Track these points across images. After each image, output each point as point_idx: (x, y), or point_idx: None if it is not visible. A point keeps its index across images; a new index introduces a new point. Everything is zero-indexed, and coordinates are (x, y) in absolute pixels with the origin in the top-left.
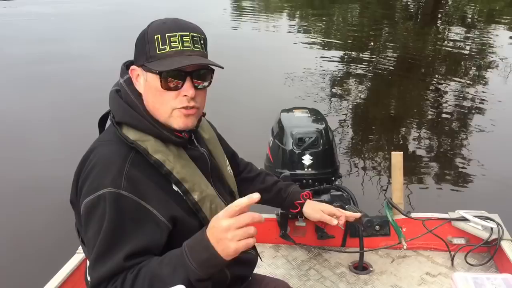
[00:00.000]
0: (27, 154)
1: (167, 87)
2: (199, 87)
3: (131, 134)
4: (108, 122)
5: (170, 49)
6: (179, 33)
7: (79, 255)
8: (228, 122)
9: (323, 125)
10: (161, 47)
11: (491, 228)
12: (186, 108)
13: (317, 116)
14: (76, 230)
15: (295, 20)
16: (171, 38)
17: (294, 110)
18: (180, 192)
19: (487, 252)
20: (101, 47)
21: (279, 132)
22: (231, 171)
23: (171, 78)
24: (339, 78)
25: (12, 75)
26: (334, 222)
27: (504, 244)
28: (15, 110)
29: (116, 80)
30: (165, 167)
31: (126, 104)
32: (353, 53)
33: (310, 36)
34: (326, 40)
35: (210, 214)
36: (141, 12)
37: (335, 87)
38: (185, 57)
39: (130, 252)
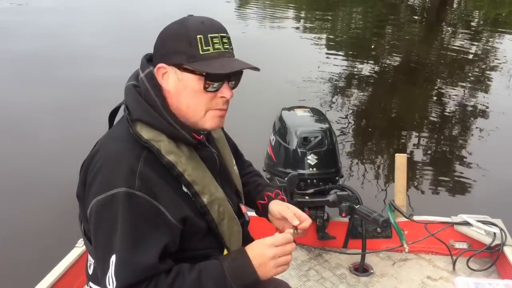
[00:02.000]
0: (30, 147)
1: (208, 89)
2: (232, 88)
3: (145, 133)
4: (118, 117)
5: (213, 50)
6: (219, 34)
7: (78, 248)
8: (227, 118)
9: (327, 125)
10: (204, 47)
11: (494, 234)
12: (221, 109)
13: (319, 115)
14: (80, 222)
15: (299, 21)
16: (214, 39)
17: (295, 109)
18: (189, 194)
19: (489, 258)
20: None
21: (282, 130)
22: (237, 171)
23: (215, 82)
24: (341, 80)
25: (15, 69)
26: (295, 222)
27: (507, 250)
28: (18, 104)
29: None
30: (177, 169)
31: (145, 102)
32: (357, 55)
33: (313, 38)
34: (329, 42)
35: (217, 216)
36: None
37: (337, 89)
38: (227, 59)
39: (159, 254)
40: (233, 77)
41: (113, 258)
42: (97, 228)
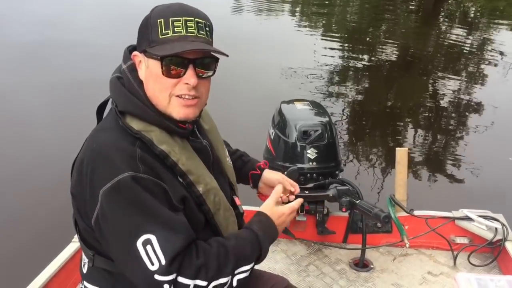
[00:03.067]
0: (23, 138)
1: (168, 74)
2: (203, 76)
3: (135, 124)
4: (107, 110)
5: (173, 34)
6: (183, 17)
7: (74, 243)
8: (225, 112)
9: (327, 118)
10: (163, 31)
11: (496, 229)
12: (184, 97)
13: (319, 109)
14: (74, 221)
15: (295, 12)
16: (175, 22)
17: (295, 102)
18: (184, 184)
19: (490, 253)
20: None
21: (281, 124)
22: (230, 162)
23: (173, 65)
24: (340, 73)
25: (9, 55)
26: (292, 188)
27: (509, 246)
28: (12, 91)
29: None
30: (171, 158)
31: (129, 92)
32: (354, 47)
33: (310, 29)
34: (326, 33)
35: (213, 206)
36: None
37: (334, 81)
38: (187, 42)
39: (186, 222)
40: (199, 63)
41: (145, 238)
42: (111, 218)
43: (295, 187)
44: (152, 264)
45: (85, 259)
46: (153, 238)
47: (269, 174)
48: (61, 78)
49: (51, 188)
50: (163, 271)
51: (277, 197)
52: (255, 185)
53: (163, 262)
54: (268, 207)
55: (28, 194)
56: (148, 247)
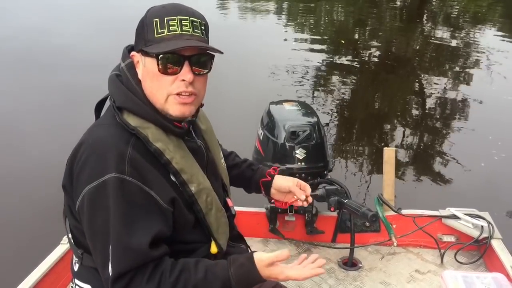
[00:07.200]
0: (12, 141)
1: (164, 71)
2: (199, 73)
3: (132, 120)
4: (105, 108)
5: (168, 32)
6: (178, 17)
7: (63, 245)
8: (215, 113)
9: (315, 119)
10: (159, 30)
11: (482, 227)
12: (181, 94)
13: (307, 109)
14: (64, 218)
15: (281, 15)
16: (170, 21)
17: (283, 103)
18: (177, 183)
19: (476, 251)
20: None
21: (270, 124)
22: (225, 164)
23: (169, 63)
24: (324, 74)
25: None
26: (302, 196)
27: (494, 243)
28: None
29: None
30: (165, 156)
31: (127, 90)
32: (340, 49)
33: (295, 32)
34: (311, 35)
35: (205, 206)
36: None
37: (321, 82)
38: (182, 40)
39: (152, 239)
40: (194, 60)
41: (109, 243)
42: (92, 218)
43: (306, 191)
44: (107, 269)
45: (75, 258)
46: (111, 249)
47: (280, 180)
48: (50, 83)
49: (40, 191)
50: (112, 282)
51: (275, 260)
52: (267, 192)
53: (111, 275)
54: (263, 263)
55: (16, 199)
56: (110, 256)
